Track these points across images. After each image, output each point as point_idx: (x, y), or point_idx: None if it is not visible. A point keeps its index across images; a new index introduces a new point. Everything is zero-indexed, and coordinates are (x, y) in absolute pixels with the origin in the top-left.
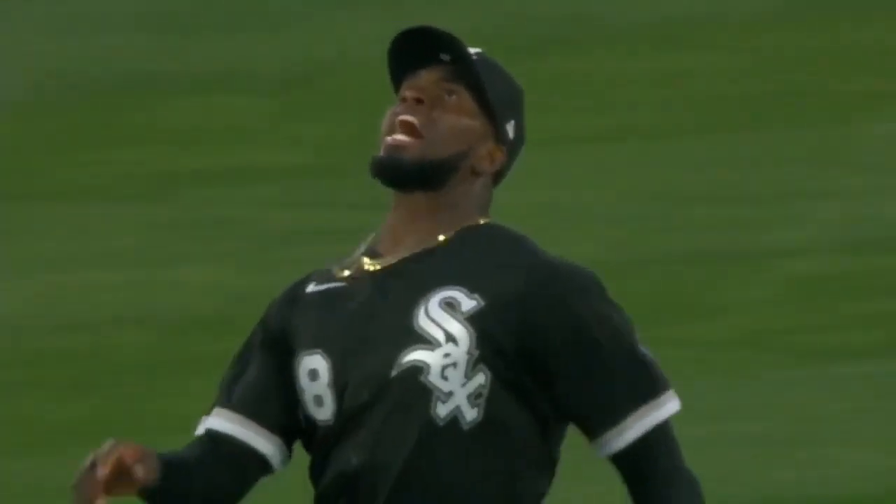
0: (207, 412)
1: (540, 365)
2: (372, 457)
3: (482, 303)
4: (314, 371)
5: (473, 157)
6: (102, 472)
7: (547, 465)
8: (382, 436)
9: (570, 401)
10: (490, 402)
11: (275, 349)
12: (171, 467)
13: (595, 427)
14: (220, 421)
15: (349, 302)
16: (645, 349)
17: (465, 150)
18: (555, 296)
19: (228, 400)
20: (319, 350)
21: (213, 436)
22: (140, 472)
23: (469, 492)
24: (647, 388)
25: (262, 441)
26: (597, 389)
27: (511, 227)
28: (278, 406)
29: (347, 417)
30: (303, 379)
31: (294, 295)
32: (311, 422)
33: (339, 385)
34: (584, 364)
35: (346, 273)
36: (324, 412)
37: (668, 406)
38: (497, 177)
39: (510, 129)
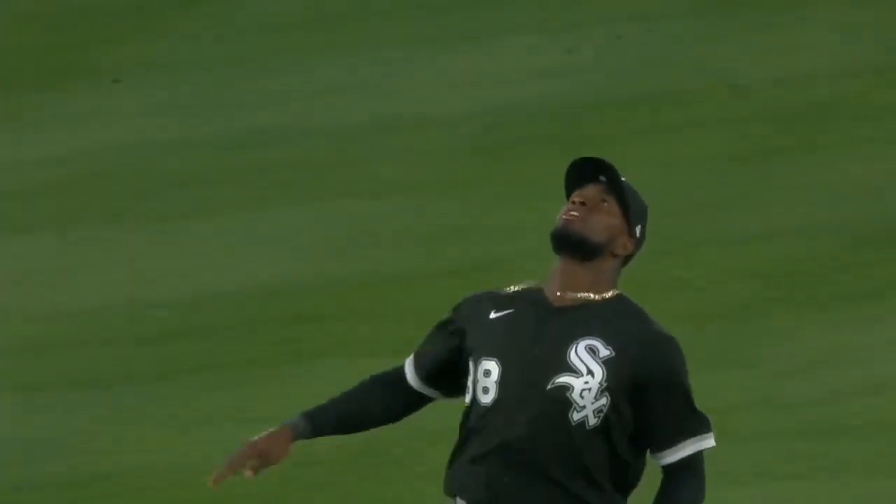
0: (411, 356)
1: (639, 398)
2: (527, 435)
3: (613, 353)
4: (488, 371)
5: (614, 244)
6: (228, 472)
7: (634, 462)
8: (535, 424)
9: (649, 424)
10: (606, 416)
11: (455, 337)
12: (322, 414)
13: (660, 444)
14: (410, 375)
15: (524, 328)
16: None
17: (610, 238)
18: (658, 359)
19: (417, 363)
20: (495, 358)
21: (406, 384)
22: (267, 465)
23: (590, 464)
24: (701, 426)
25: (429, 391)
26: (669, 420)
27: (633, 300)
28: (444, 375)
29: (505, 407)
30: (479, 373)
31: (482, 308)
32: (470, 401)
33: (505, 384)
34: (665, 403)
35: (524, 305)
36: (486, 399)
37: (709, 441)
38: (625, 261)
39: (638, 230)
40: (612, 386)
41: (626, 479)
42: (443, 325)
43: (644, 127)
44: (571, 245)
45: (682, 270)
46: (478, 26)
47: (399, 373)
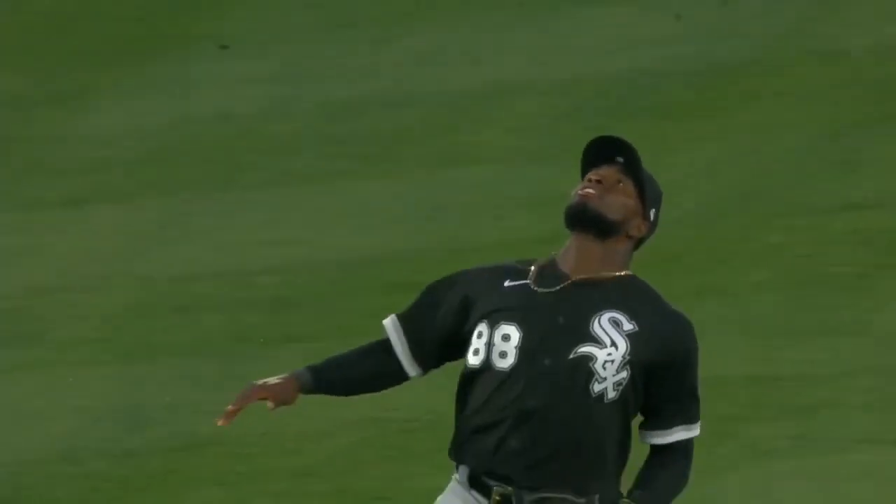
0: (396, 314)
1: (655, 373)
2: (546, 403)
3: (637, 328)
4: (507, 335)
5: (629, 225)
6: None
7: (630, 441)
8: (555, 392)
9: (655, 403)
10: (625, 390)
11: (459, 304)
12: (325, 374)
13: (655, 423)
14: (394, 339)
15: (542, 298)
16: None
17: (625, 218)
18: (679, 338)
19: (416, 355)
20: (515, 323)
21: (385, 346)
22: (273, 405)
23: (603, 438)
24: (698, 413)
25: (411, 367)
26: (674, 401)
27: (645, 280)
28: (435, 346)
29: (525, 373)
30: (495, 337)
31: (493, 278)
32: (482, 364)
33: (526, 350)
34: (678, 384)
35: (540, 277)
36: (504, 363)
37: (698, 429)
38: (638, 243)
39: (652, 213)
40: (634, 360)
41: (625, 459)
42: (433, 301)
43: (748, 93)
44: (587, 221)
45: (785, 237)
46: None
47: (396, 361)
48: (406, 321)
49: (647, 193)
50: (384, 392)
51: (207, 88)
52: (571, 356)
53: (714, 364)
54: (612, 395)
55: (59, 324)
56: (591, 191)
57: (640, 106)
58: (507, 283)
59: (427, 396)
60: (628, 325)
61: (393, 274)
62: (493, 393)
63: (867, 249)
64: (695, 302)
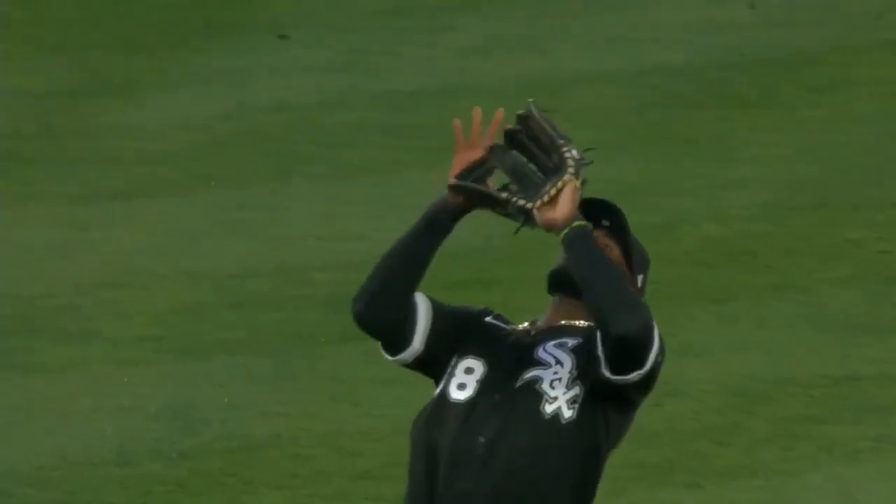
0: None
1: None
2: (495, 437)
3: (580, 340)
4: (471, 368)
5: None
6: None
7: (604, 457)
8: (506, 421)
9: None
10: (584, 407)
11: (462, 327)
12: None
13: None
14: (424, 309)
15: (509, 338)
16: None
17: None
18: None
19: (436, 315)
20: (482, 359)
21: (413, 303)
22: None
23: (560, 466)
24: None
25: (417, 344)
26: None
27: None
28: (440, 349)
29: (478, 406)
30: (457, 368)
31: (489, 322)
32: (442, 395)
33: (483, 384)
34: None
35: (517, 328)
36: (460, 395)
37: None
38: None
39: (640, 279)
40: (583, 373)
41: (590, 492)
42: (469, 311)
43: (822, 84)
44: (571, 287)
45: (864, 232)
46: None
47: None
48: (437, 311)
49: (633, 259)
50: None
51: (262, 78)
52: (518, 384)
53: (790, 363)
54: (568, 413)
55: (108, 321)
56: None
57: (710, 96)
58: (488, 319)
59: None
60: (572, 342)
61: (458, 271)
62: (446, 425)
63: None
64: (771, 299)
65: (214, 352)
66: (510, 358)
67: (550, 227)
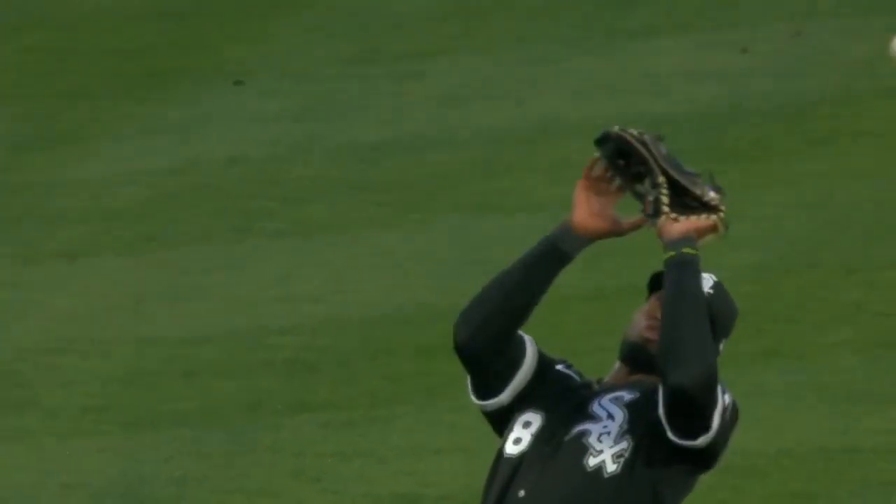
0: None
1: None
2: (534, 489)
3: (638, 395)
4: (528, 422)
5: None
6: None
7: None
8: (549, 474)
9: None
10: (630, 461)
11: (537, 378)
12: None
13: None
14: (530, 358)
15: (573, 393)
16: None
17: None
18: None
19: (537, 370)
20: (541, 412)
21: (521, 345)
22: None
23: None
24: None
25: (505, 396)
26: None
27: None
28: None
29: (527, 460)
30: (517, 422)
31: (556, 369)
32: (499, 451)
33: (536, 438)
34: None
35: (587, 380)
36: (514, 450)
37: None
38: None
39: (722, 346)
40: (634, 427)
41: None
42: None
43: (820, 135)
44: (645, 365)
45: (863, 294)
46: (638, 24)
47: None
48: (539, 365)
49: (718, 325)
50: (420, 467)
51: (217, 129)
52: (567, 437)
53: (785, 435)
54: (612, 468)
55: (49, 390)
56: (655, 336)
57: (701, 147)
58: (559, 367)
59: (464, 473)
60: (629, 397)
61: (425, 335)
62: (500, 479)
63: None
64: (762, 366)
65: (163, 423)
66: (567, 411)
67: (662, 236)
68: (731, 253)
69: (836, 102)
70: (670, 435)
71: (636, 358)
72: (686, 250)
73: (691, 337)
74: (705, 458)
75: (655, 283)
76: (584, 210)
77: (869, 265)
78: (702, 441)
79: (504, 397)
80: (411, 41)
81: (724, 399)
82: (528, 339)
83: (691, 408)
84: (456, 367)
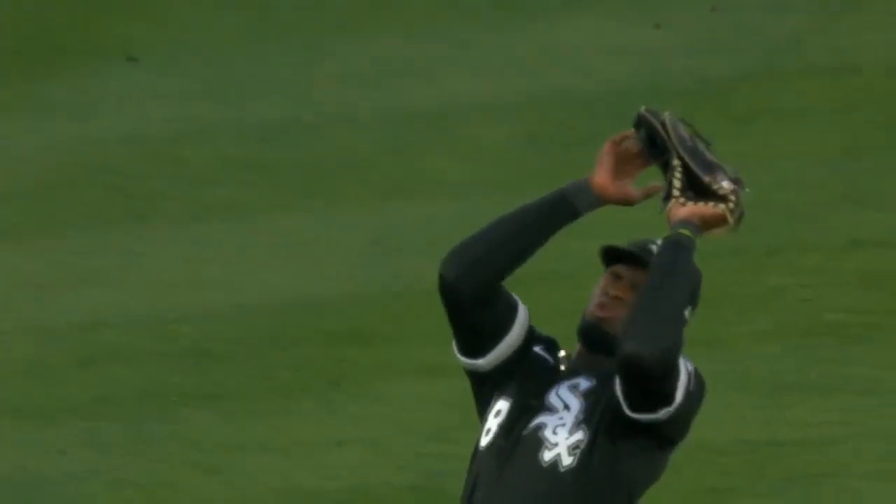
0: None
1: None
2: (493, 488)
3: (595, 381)
4: (499, 411)
5: None
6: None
7: (623, 499)
8: (507, 470)
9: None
10: (586, 454)
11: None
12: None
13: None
14: (519, 327)
15: (538, 378)
16: None
17: None
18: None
19: (524, 341)
20: (511, 400)
21: (513, 307)
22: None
23: None
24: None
25: (485, 361)
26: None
27: None
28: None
29: (487, 455)
30: (491, 411)
31: (533, 351)
32: (476, 443)
33: (499, 430)
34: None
35: (560, 355)
36: (483, 442)
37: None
38: None
39: (687, 313)
40: (590, 417)
41: None
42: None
43: (741, 115)
44: (601, 345)
45: (785, 279)
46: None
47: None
48: (528, 336)
49: (695, 296)
50: (323, 459)
51: (112, 107)
52: (524, 431)
53: (703, 427)
54: (567, 461)
55: None
56: (608, 314)
57: (613, 130)
58: (535, 349)
59: (367, 465)
60: (586, 384)
61: (332, 321)
62: (470, 472)
63: (878, 292)
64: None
65: (59, 415)
66: (527, 402)
67: (668, 218)
68: (648, 235)
69: (758, 80)
70: (627, 410)
71: (591, 337)
72: (683, 231)
73: (666, 314)
74: (669, 433)
75: (610, 256)
76: (607, 172)
77: (792, 248)
78: (662, 414)
79: (485, 362)
80: (317, 18)
81: (686, 367)
82: (522, 307)
83: (647, 380)
84: (363, 355)
